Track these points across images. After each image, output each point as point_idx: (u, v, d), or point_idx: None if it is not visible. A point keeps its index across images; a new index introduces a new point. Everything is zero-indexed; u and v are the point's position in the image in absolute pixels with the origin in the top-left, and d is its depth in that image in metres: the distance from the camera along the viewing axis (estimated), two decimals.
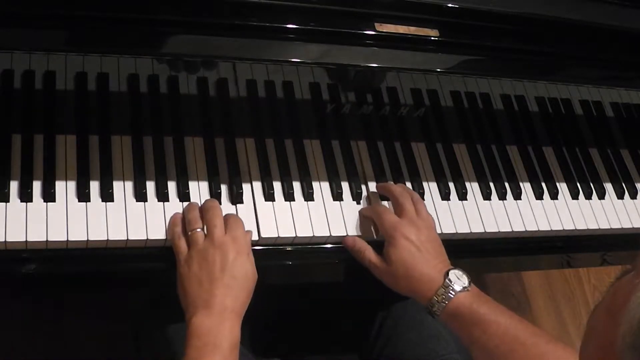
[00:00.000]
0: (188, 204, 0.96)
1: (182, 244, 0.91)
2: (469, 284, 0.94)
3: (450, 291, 0.93)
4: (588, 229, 1.15)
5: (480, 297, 0.94)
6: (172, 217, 0.94)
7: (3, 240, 0.87)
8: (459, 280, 0.94)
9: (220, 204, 0.98)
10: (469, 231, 1.07)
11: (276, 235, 0.98)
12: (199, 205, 0.96)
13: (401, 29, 0.95)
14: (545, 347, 0.89)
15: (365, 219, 1.03)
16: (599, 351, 0.54)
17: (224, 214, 0.95)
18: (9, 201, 0.90)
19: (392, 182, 1.08)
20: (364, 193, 1.06)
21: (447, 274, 0.94)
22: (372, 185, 1.07)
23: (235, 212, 0.98)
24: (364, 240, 1.01)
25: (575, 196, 1.17)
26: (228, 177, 1.01)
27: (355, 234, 1.02)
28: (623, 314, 0.50)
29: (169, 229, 0.93)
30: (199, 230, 0.91)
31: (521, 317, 0.94)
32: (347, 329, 1.20)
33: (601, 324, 0.54)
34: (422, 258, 0.96)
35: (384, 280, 0.99)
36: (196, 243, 0.90)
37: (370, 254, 0.99)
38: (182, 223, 0.93)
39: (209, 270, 0.88)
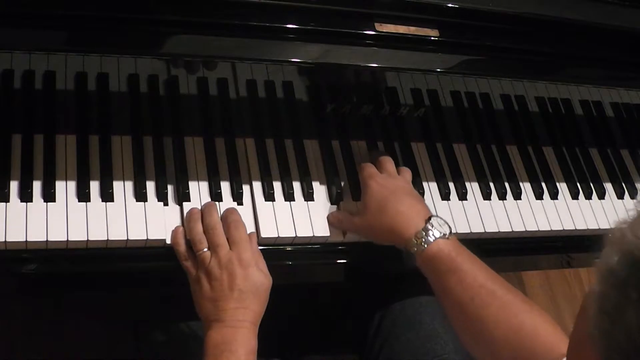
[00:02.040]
0: (189, 214, 0.95)
1: (190, 265, 0.93)
2: (450, 232, 0.93)
3: (431, 235, 0.92)
4: (588, 229, 1.14)
5: (460, 247, 0.93)
6: (174, 236, 0.94)
7: (3, 240, 0.87)
8: (440, 227, 0.93)
9: (221, 202, 0.98)
10: (469, 231, 1.07)
11: (276, 235, 0.98)
12: (199, 211, 0.95)
13: (401, 29, 0.95)
14: (521, 306, 0.88)
15: None
16: (575, 345, 0.55)
17: (223, 210, 0.95)
18: (9, 201, 0.90)
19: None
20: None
21: (429, 218, 0.94)
22: None
23: None
24: (338, 211, 1.02)
25: (575, 196, 1.17)
26: (228, 177, 1.01)
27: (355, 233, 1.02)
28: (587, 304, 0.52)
29: (175, 249, 0.94)
30: (205, 250, 0.92)
31: None
32: (346, 329, 1.20)
33: (578, 326, 0.57)
34: (398, 198, 0.96)
35: (363, 234, 0.98)
36: (203, 263, 0.91)
37: (346, 216, 1.00)
38: (185, 240, 0.94)
39: (218, 289, 0.90)
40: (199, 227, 0.94)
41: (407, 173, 1.05)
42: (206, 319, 0.90)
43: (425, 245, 0.92)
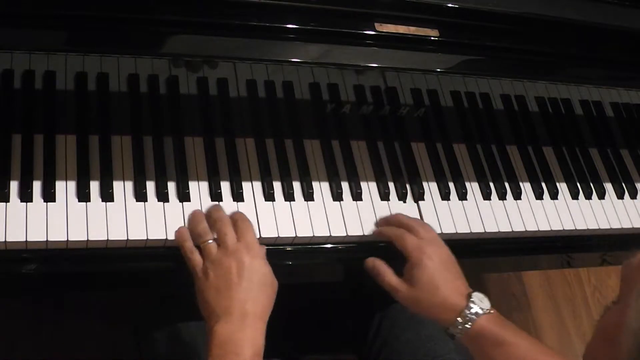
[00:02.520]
0: (193, 214, 0.95)
1: (197, 257, 0.90)
2: (491, 306, 0.94)
3: (473, 314, 0.93)
4: (588, 229, 1.15)
5: (501, 320, 0.94)
6: (179, 233, 0.93)
7: (3, 240, 0.87)
8: (481, 303, 0.94)
9: (221, 202, 0.98)
10: (469, 231, 1.07)
11: (276, 235, 0.98)
12: (203, 212, 0.95)
13: (401, 29, 0.95)
14: None
15: (365, 219, 1.03)
16: (602, 334, 0.55)
17: (228, 213, 0.95)
18: (9, 201, 0.90)
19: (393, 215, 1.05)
20: (364, 193, 1.06)
21: (469, 296, 0.94)
22: (372, 185, 1.07)
23: (235, 211, 0.98)
24: (383, 262, 0.99)
25: (575, 196, 1.17)
26: (228, 177, 1.01)
27: (355, 233, 1.02)
28: (621, 333, 0.50)
29: (180, 246, 0.92)
30: (210, 241, 0.91)
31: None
32: (346, 329, 1.20)
33: (599, 352, 0.55)
34: (445, 278, 0.96)
35: (405, 304, 0.98)
36: (210, 253, 0.90)
37: (390, 277, 0.98)
38: (190, 235, 0.93)
39: (225, 277, 0.88)
40: (204, 222, 0.93)
41: (433, 231, 1.02)
42: (212, 314, 0.87)
43: (470, 324, 0.93)
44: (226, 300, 0.86)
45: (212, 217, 0.93)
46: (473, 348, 0.95)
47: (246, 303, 0.87)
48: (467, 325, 0.93)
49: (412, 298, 0.96)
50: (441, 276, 0.96)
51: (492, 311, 0.94)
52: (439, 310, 0.95)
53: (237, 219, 0.93)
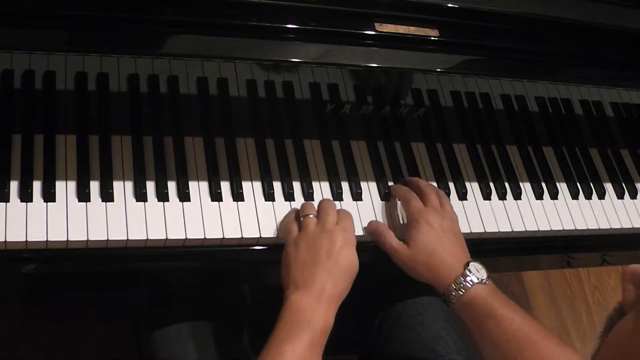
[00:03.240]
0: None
1: (294, 227, 0.95)
2: (487, 278, 0.95)
3: (469, 281, 0.93)
4: (588, 229, 1.15)
5: (496, 292, 0.94)
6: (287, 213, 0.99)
7: (3, 240, 0.87)
8: (477, 272, 0.94)
9: (221, 202, 0.98)
10: (469, 231, 1.07)
11: (276, 235, 0.98)
12: None
13: (401, 29, 0.95)
14: (555, 349, 0.89)
15: (365, 219, 1.03)
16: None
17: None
18: (9, 201, 0.90)
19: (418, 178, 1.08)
20: (364, 193, 1.06)
21: (467, 264, 0.95)
22: (372, 185, 1.07)
23: (235, 211, 0.98)
24: (385, 225, 1.01)
25: (575, 196, 1.17)
26: (228, 177, 1.01)
27: (355, 233, 1.02)
28: None
29: (284, 218, 0.98)
30: (312, 216, 0.95)
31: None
32: (346, 329, 1.20)
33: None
34: (443, 245, 0.96)
35: (403, 266, 0.99)
36: (307, 226, 0.94)
37: (391, 238, 0.99)
38: (293, 213, 0.98)
39: (315, 253, 0.91)
40: (311, 203, 0.99)
41: (447, 204, 1.04)
42: (292, 282, 0.90)
43: (463, 291, 0.93)
44: (309, 274, 0.89)
45: (319, 202, 0.99)
46: (467, 317, 0.95)
47: (327, 282, 0.89)
48: (460, 292, 0.93)
49: (409, 259, 0.97)
50: (439, 242, 0.96)
51: (487, 282, 0.94)
52: (435, 274, 0.96)
53: (340, 210, 0.98)
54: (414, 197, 1.02)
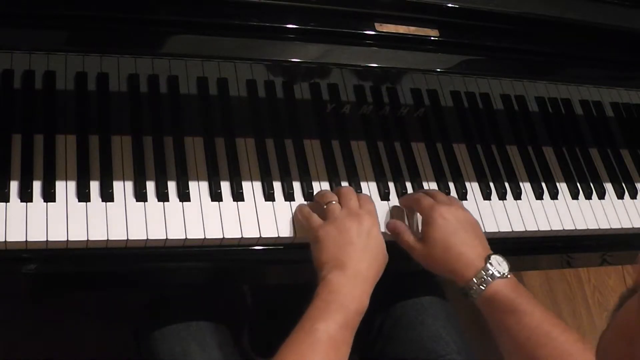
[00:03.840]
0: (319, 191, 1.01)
1: (316, 218, 0.96)
2: (508, 271, 0.93)
3: (490, 276, 0.92)
4: (588, 229, 1.15)
5: (518, 287, 0.93)
6: (298, 207, 0.99)
7: (3, 240, 0.87)
8: (499, 265, 0.93)
9: (221, 202, 0.98)
10: None
11: (276, 235, 0.98)
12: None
13: (401, 29, 0.95)
14: (574, 346, 0.89)
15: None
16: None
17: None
18: (9, 201, 0.90)
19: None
20: (364, 193, 1.06)
21: (488, 257, 0.94)
22: (372, 185, 1.07)
23: (235, 211, 0.98)
24: (403, 223, 1.01)
25: (575, 196, 1.17)
26: (228, 177, 1.01)
27: None
28: None
29: (299, 212, 0.98)
30: (334, 202, 0.96)
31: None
32: None
33: (616, 348, 0.54)
34: (460, 237, 0.95)
35: (422, 263, 0.98)
36: (333, 213, 0.95)
37: (408, 235, 0.99)
38: (316, 200, 0.99)
39: (346, 234, 0.92)
40: (328, 191, 1.00)
41: (456, 200, 1.03)
42: (326, 264, 0.90)
43: (485, 286, 0.92)
44: (344, 255, 0.90)
45: (337, 188, 1.00)
46: (487, 311, 0.94)
47: (361, 263, 0.90)
48: (481, 287, 0.92)
49: (426, 255, 0.97)
50: (455, 234, 0.95)
51: (509, 276, 0.93)
52: (454, 268, 0.95)
53: (360, 194, 0.99)
54: (423, 195, 1.01)
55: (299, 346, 0.84)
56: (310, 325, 0.85)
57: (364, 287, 0.90)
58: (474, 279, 0.93)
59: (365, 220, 0.93)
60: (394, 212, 1.05)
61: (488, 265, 0.93)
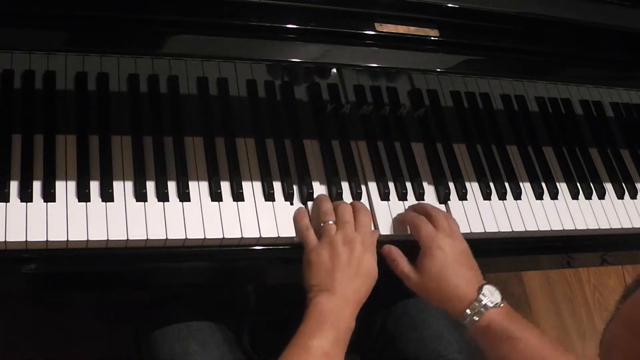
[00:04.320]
0: (319, 197, 1.02)
1: (311, 235, 0.97)
2: (501, 300, 0.95)
3: (483, 307, 0.93)
4: (588, 229, 1.14)
5: (510, 315, 0.95)
6: (298, 211, 1.00)
7: (3, 240, 0.87)
8: (491, 296, 0.94)
9: (221, 202, 0.98)
10: (469, 231, 1.07)
11: (276, 235, 0.98)
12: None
13: (401, 29, 0.95)
14: None
15: None
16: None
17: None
18: (9, 201, 0.90)
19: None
20: (364, 193, 1.06)
21: (480, 288, 0.95)
22: (372, 185, 1.07)
23: (235, 211, 0.98)
24: (398, 250, 1.01)
25: (575, 196, 1.17)
26: (228, 177, 1.01)
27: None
28: None
29: (297, 221, 0.99)
30: (331, 222, 0.97)
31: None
32: None
33: (621, 340, 0.53)
34: (455, 270, 0.96)
35: (416, 291, 0.99)
36: (329, 234, 0.96)
37: (403, 263, 0.99)
38: (307, 216, 1.00)
39: (337, 262, 0.94)
40: (329, 203, 1.00)
41: (455, 225, 1.03)
42: (316, 287, 0.93)
43: (478, 317, 0.93)
44: (333, 281, 0.93)
45: (335, 203, 1.01)
46: (482, 341, 0.95)
47: (348, 289, 0.93)
48: (474, 318, 0.93)
49: (421, 287, 0.98)
50: (451, 268, 0.96)
51: (502, 305, 0.94)
52: (448, 301, 0.96)
53: (357, 209, 1.00)
54: (424, 221, 1.01)
55: None
56: (304, 342, 0.88)
57: (352, 309, 0.93)
58: (468, 310, 0.94)
59: (357, 247, 0.95)
60: (395, 223, 1.04)
61: (481, 296, 0.94)
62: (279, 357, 0.87)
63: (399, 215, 1.05)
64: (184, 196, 0.97)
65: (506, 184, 1.14)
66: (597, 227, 1.15)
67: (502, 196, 1.12)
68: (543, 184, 1.16)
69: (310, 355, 0.87)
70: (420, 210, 1.04)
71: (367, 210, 1.01)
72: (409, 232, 1.03)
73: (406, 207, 1.06)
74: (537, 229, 1.11)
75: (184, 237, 0.94)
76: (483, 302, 0.93)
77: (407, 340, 1.13)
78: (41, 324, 1.53)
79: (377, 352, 1.14)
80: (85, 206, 0.92)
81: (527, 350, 0.91)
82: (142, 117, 1.01)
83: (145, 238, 0.93)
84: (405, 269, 0.99)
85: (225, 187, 1.00)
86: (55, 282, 0.99)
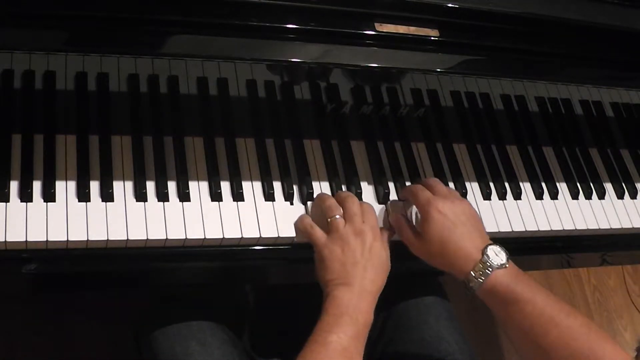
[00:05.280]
0: (321, 194, 1.00)
1: (318, 231, 0.97)
2: (507, 260, 0.93)
3: (488, 268, 0.91)
4: (588, 229, 1.14)
5: (517, 275, 0.93)
6: (300, 216, 1.00)
7: (3, 240, 0.87)
8: (497, 256, 0.92)
9: (221, 202, 0.98)
10: None
11: (276, 235, 0.98)
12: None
13: (401, 29, 0.95)
14: (579, 330, 0.88)
15: None
16: None
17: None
18: (9, 201, 0.90)
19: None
20: (364, 193, 1.06)
21: (485, 249, 0.93)
22: (372, 185, 1.07)
23: (235, 211, 0.98)
24: (404, 218, 1.01)
25: (575, 196, 1.17)
26: (228, 177, 1.01)
27: None
28: None
29: (299, 222, 0.99)
30: (338, 217, 0.96)
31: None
32: None
33: None
34: (457, 231, 0.95)
35: (421, 257, 0.98)
36: (337, 229, 0.95)
37: (407, 230, 0.99)
38: (320, 209, 0.99)
39: (350, 254, 0.94)
40: (332, 199, 0.99)
41: (454, 190, 1.03)
42: (331, 282, 0.92)
43: (483, 279, 0.92)
44: (349, 274, 0.92)
45: (340, 196, 1.00)
46: (489, 303, 0.94)
47: (365, 280, 0.93)
48: (480, 280, 0.92)
49: (425, 252, 0.97)
50: (453, 229, 0.95)
51: (508, 265, 0.92)
52: (453, 264, 0.94)
53: (362, 203, 0.99)
54: (421, 188, 1.00)
55: (315, 358, 0.86)
56: (323, 338, 0.87)
57: (369, 301, 0.92)
58: (473, 272, 0.92)
59: (368, 237, 0.95)
60: (395, 205, 1.05)
61: (485, 256, 0.92)
62: (298, 356, 0.87)
63: (400, 193, 1.05)
64: (184, 196, 0.97)
65: (506, 184, 1.14)
66: (597, 227, 1.15)
67: (502, 196, 1.12)
68: (543, 184, 1.16)
69: (329, 352, 0.86)
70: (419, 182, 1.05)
71: (369, 204, 1.00)
72: None
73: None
74: (537, 229, 1.11)
75: (184, 237, 0.94)
76: (488, 263, 0.91)
77: (408, 341, 1.13)
78: (41, 324, 1.53)
79: (378, 353, 1.14)
80: (85, 206, 0.92)
81: (535, 312, 0.89)
82: (142, 117, 1.01)
83: (145, 238, 0.93)
84: (409, 235, 0.98)
85: (225, 187, 1.00)
86: (55, 282, 0.99)
